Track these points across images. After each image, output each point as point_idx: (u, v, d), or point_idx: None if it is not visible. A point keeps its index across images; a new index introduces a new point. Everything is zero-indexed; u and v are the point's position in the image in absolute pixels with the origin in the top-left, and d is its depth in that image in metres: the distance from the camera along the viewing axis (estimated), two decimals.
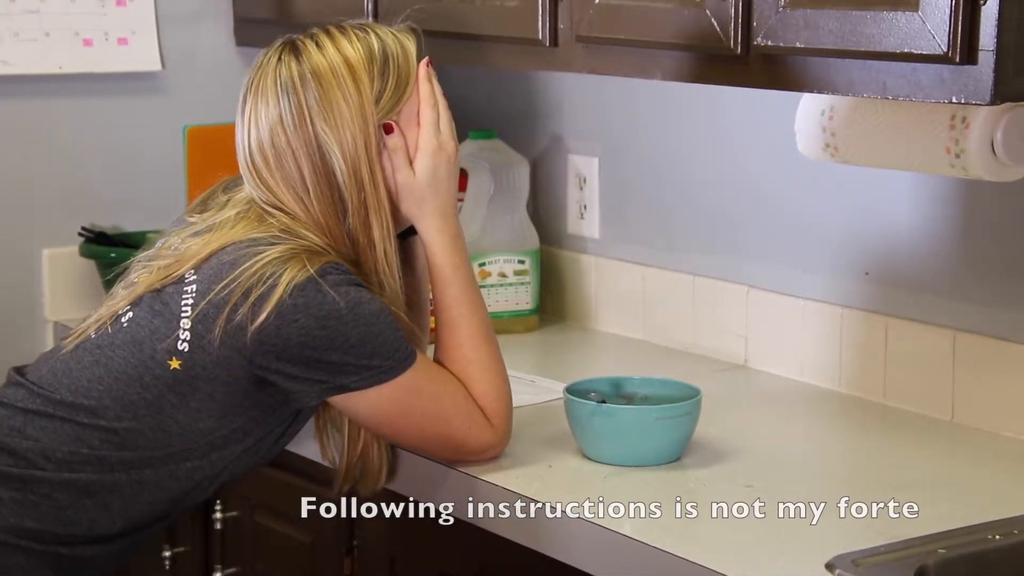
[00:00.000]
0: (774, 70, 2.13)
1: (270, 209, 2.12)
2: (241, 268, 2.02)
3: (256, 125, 2.14)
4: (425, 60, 2.18)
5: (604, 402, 2.22)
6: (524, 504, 2.08)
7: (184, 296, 2.05)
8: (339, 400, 2.09)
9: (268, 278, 2.00)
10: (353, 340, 2.02)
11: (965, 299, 2.40)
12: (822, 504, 2.10)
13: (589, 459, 2.21)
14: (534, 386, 2.57)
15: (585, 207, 3.02)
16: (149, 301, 2.07)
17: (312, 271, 2.01)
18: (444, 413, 2.12)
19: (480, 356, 2.17)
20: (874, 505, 2.06)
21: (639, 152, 2.92)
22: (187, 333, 2.03)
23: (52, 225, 3.09)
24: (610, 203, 2.98)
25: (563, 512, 2.03)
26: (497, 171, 3.00)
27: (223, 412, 2.05)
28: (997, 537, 1.90)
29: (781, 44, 2.09)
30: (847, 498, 2.11)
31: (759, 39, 2.12)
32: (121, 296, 2.11)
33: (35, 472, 2.02)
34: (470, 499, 2.16)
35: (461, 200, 3.03)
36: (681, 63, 2.27)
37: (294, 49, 2.14)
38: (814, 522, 2.01)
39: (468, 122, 3.09)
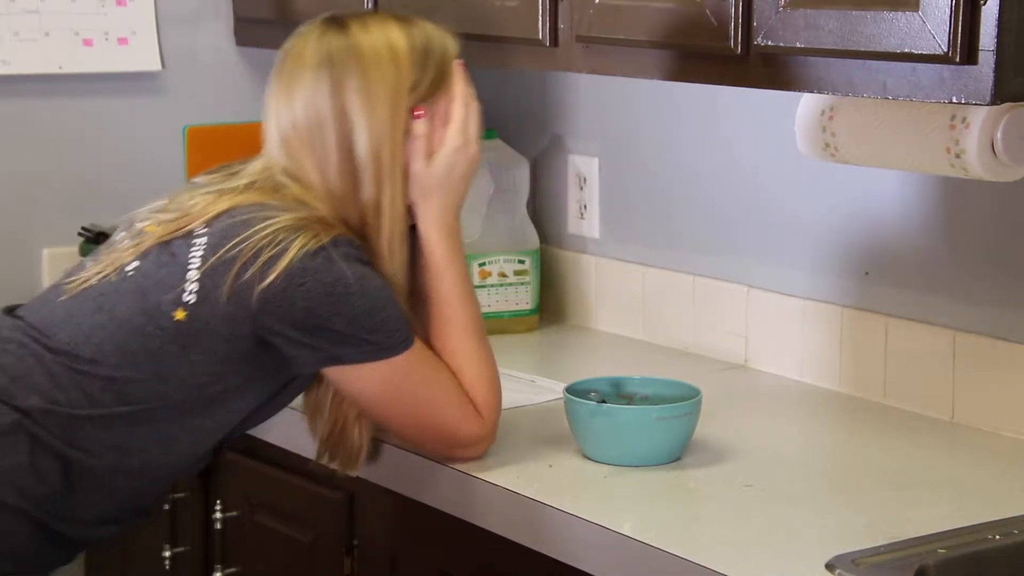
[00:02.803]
0: (774, 70, 2.13)
1: (284, 180, 2.13)
2: (254, 229, 2.04)
3: (290, 90, 2.15)
4: (459, 61, 2.20)
5: (604, 402, 2.23)
6: (524, 504, 2.08)
7: (193, 249, 2.07)
8: (334, 373, 2.10)
9: (280, 242, 2.03)
10: (357, 311, 2.04)
11: (965, 299, 2.40)
12: (822, 504, 2.10)
13: (589, 459, 2.21)
14: (534, 386, 2.57)
15: (585, 207, 3.02)
16: (156, 253, 2.09)
17: (324, 241, 2.03)
18: (436, 399, 2.13)
19: (468, 348, 2.18)
20: (874, 505, 2.06)
21: (639, 152, 2.92)
22: (195, 285, 2.04)
23: (52, 225, 3.09)
24: (610, 203, 2.98)
25: (563, 512, 2.03)
26: (497, 171, 3.00)
27: (221, 368, 2.06)
28: (997, 537, 1.90)
29: (781, 44, 2.09)
30: (847, 498, 2.11)
31: (759, 39, 2.12)
32: (127, 247, 2.12)
33: (40, 432, 2.02)
34: (470, 498, 2.16)
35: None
36: (681, 63, 2.27)
37: (340, 25, 2.16)
38: (814, 522, 2.01)
39: None
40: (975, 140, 2.10)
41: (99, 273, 2.11)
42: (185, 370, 2.05)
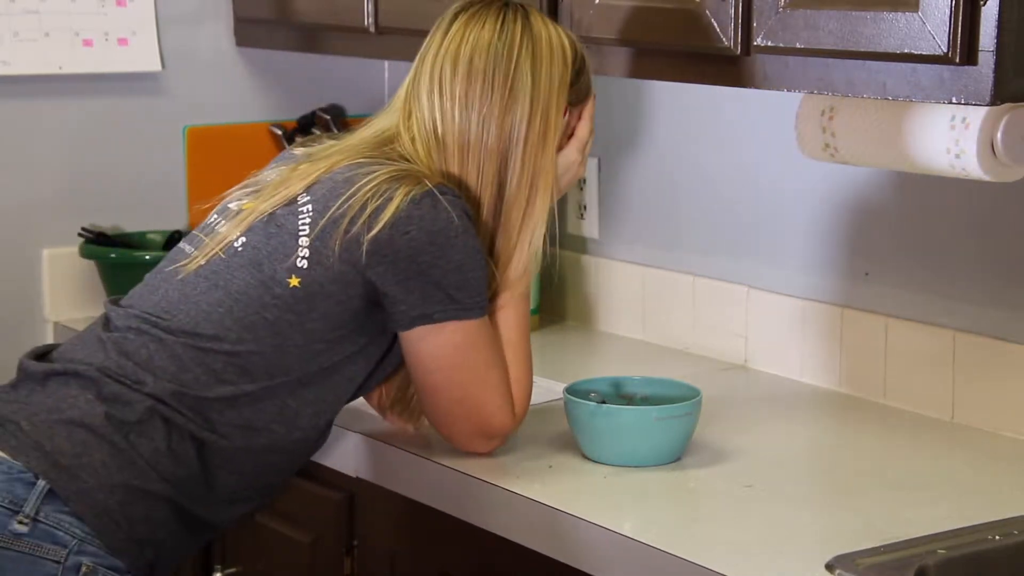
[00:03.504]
0: (774, 70, 2.13)
1: (406, 132, 2.17)
2: (357, 185, 2.08)
3: (461, 42, 2.17)
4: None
5: (604, 402, 2.23)
6: (524, 504, 2.08)
7: (300, 216, 2.10)
8: (414, 335, 2.11)
9: (385, 191, 2.07)
10: (452, 264, 2.08)
11: (965, 299, 2.40)
12: (822, 504, 2.10)
13: (589, 459, 2.21)
14: (534, 386, 2.56)
15: (585, 207, 3.02)
16: (263, 225, 2.12)
17: (429, 186, 2.07)
18: (490, 380, 2.16)
19: (521, 344, 2.22)
20: (874, 505, 2.06)
21: (639, 152, 2.92)
22: (306, 250, 2.08)
23: (52, 225, 3.09)
24: (610, 203, 2.98)
25: (563, 512, 2.03)
26: None
27: (335, 335, 2.10)
28: (997, 537, 1.90)
29: (781, 44, 2.09)
30: (847, 498, 2.11)
31: (759, 39, 2.12)
32: (230, 226, 2.15)
33: (173, 416, 2.04)
34: (470, 498, 2.16)
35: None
36: (681, 63, 2.27)
37: (523, 11, 2.20)
38: (814, 522, 2.01)
39: None
40: (975, 141, 2.10)
41: (206, 253, 2.13)
42: (302, 339, 2.08)
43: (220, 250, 2.13)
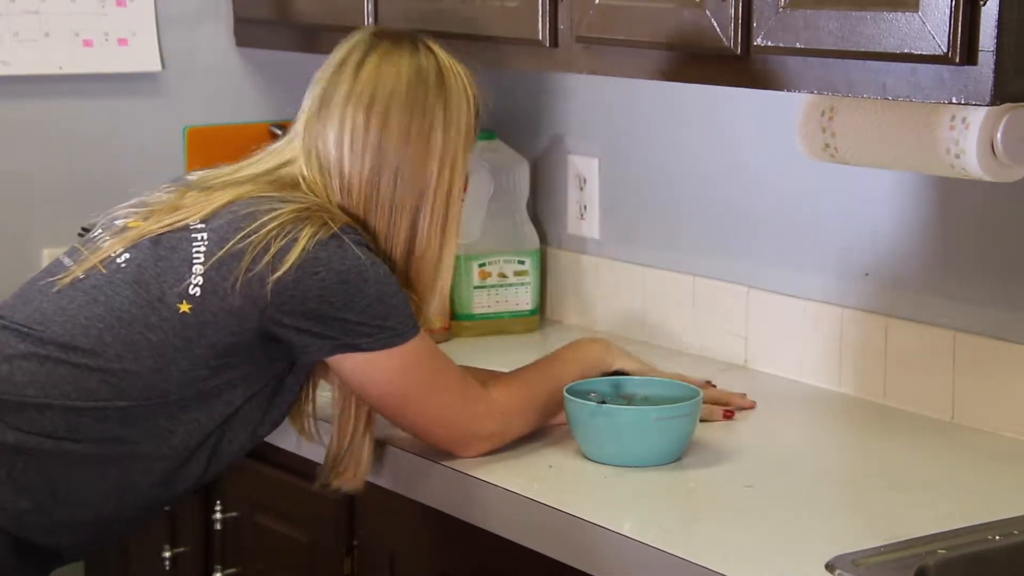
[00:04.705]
0: (774, 70, 2.13)
1: (306, 177, 2.14)
2: (260, 221, 2.05)
3: (377, 87, 2.14)
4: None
5: (604, 403, 2.23)
6: (524, 504, 2.08)
7: (195, 244, 2.06)
8: (348, 365, 2.09)
9: (289, 232, 2.03)
10: (370, 299, 2.05)
11: (965, 299, 2.40)
12: (822, 504, 2.10)
13: (589, 459, 2.21)
14: None
15: (585, 207, 3.02)
16: (150, 246, 2.08)
17: (335, 228, 2.05)
18: (450, 385, 2.16)
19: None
20: (874, 505, 2.06)
21: (639, 152, 2.92)
22: (200, 278, 2.03)
23: (52, 225, 3.09)
24: (610, 203, 2.98)
25: (563, 512, 2.03)
26: (497, 171, 3.00)
27: (220, 362, 2.05)
28: (997, 537, 1.91)
29: (781, 44, 2.09)
30: (847, 498, 2.11)
31: (759, 39, 2.12)
32: (113, 241, 2.10)
33: (29, 440, 1.99)
34: (470, 499, 2.16)
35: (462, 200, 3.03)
36: (681, 63, 2.27)
37: (435, 56, 2.19)
38: (814, 522, 2.01)
39: None
40: (975, 141, 2.10)
41: (85, 267, 2.09)
42: (187, 363, 2.04)
43: (100, 265, 2.08)
